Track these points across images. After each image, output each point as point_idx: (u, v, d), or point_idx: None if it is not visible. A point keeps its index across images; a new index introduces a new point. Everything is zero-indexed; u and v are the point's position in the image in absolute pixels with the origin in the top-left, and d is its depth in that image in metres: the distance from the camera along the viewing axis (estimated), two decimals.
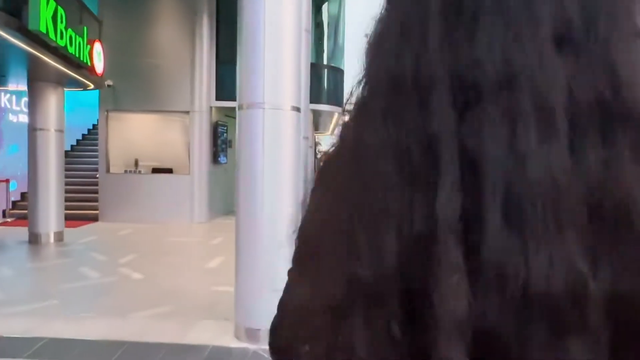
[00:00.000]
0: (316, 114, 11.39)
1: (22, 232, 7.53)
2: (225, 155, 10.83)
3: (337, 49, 11.75)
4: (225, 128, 10.75)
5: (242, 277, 3.60)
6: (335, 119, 13.29)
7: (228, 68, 10.28)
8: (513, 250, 0.24)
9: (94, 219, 9.75)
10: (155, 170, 10.36)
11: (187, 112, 9.92)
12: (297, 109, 3.77)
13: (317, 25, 11.65)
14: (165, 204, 9.78)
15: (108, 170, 9.95)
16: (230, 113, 11.02)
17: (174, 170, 10.34)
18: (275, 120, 3.51)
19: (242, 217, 3.66)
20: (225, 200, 11.04)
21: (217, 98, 10.14)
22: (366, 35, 0.33)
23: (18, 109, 11.56)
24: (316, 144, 42.40)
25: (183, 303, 4.53)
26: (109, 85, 9.32)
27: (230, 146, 11.47)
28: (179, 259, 6.47)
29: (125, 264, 5.99)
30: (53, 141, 7.40)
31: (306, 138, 7.53)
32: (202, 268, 5.98)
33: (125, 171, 10.18)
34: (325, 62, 10.76)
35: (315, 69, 10.61)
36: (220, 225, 9.82)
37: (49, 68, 6.41)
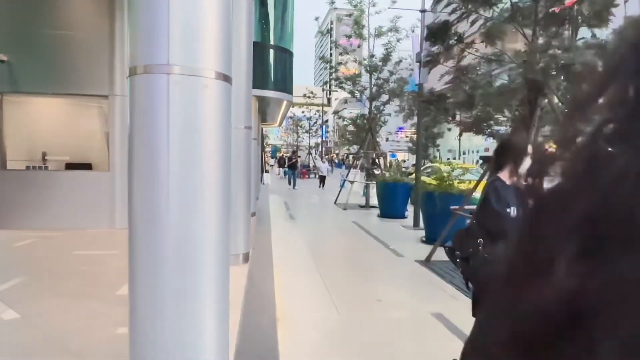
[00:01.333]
0: (261, 102, 10.05)
1: None
2: None
3: (285, 30, 10.43)
4: None
5: (138, 314, 2.29)
6: (284, 108, 11.97)
7: None
8: None
9: None
10: (70, 166, 8.64)
11: (106, 97, 8.27)
12: (226, 79, 2.47)
13: (262, 2, 10.31)
14: (79, 206, 8.12)
15: (4, 167, 8.11)
16: None
17: (93, 166, 8.68)
18: (188, 92, 2.21)
19: (137, 232, 2.34)
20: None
21: None
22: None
23: None
24: (263, 137, 40.62)
25: (68, 357, 3.14)
26: (1, 61, 7.51)
27: None
28: (82, 282, 4.98)
29: None
30: None
31: (249, 128, 6.20)
32: (112, 297, 4.54)
33: (28, 167, 8.38)
34: (272, 42, 9.45)
35: (260, 49, 9.26)
36: None
37: None
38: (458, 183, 8.00)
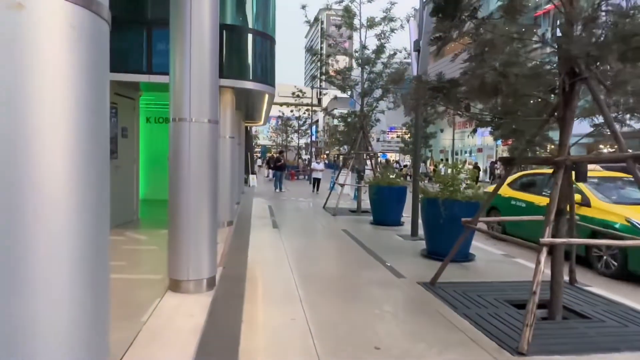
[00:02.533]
0: (239, 95, 8.85)
1: None
2: (116, 147, 8.05)
3: (266, 14, 9.24)
4: (113, 110, 7.95)
5: None
6: (267, 103, 10.79)
7: (119, 20, 7.46)
8: None
9: None
10: None
11: None
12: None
13: None
14: None
15: None
16: (121, 90, 8.20)
17: None
18: None
19: None
20: (116, 208, 8.24)
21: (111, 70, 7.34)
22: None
23: None
24: (253, 136, 39.20)
25: None
26: None
27: (124, 135, 8.65)
28: None
29: None
30: None
31: (214, 122, 5.08)
32: None
33: None
34: (250, 26, 8.23)
35: (236, 33, 8.07)
36: (110, 244, 7.08)
37: None
38: (466, 188, 6.89)
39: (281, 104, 40.17)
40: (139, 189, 9.59)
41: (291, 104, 38.04)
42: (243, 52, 8.04)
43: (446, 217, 6.61)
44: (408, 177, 23.19)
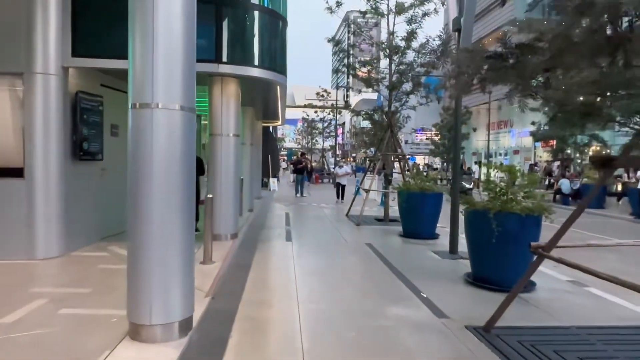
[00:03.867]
0: (244, 85, 7.57)
1: None
2: (101, 147, 6.89)
3: None
4: (97, 103, 6.79)
5: None
6: (280, 96, 9.48)
7: (99, 3, 6.34)
8: None
9: None
10: None
11: (20, 75, 5.94)
12: None
13: None
14: None
15: None
16: (108, 80, 7.04)
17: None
18: None
19: None
20: (101, 218, 7.08)
21: (78, 53, 6.19)
22: None
23: None
24: (277, 138, 38.14)
25: None
26: None
27: (114, 134, 7.50)
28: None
29: None
30: None
31: (190, 111, 3.80)
32: None
33: None
34: (256, 1, 6.90)
35: (240, 9, 6.80)
36: (84, 263, 5.92)
37: None
38: (524, 197, 5.39)
39: (304, 106, 39.07)
40: None
41: (317, 107, 36.82)
42: (248, 32, 6.77)
43: (499, 235, 5.13)
44: (439, 182, 21.55)
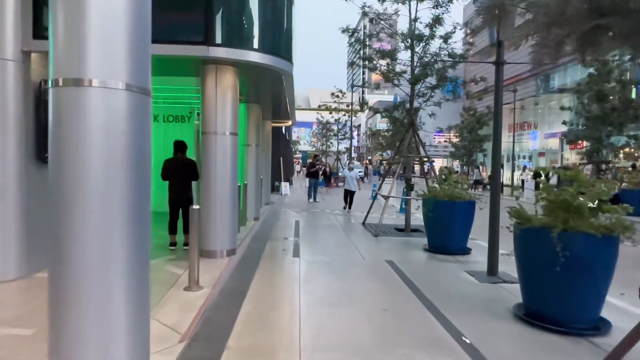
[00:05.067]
0: (245, 72, 6.46)
1: None
2: None
3: None
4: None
5: None
6: (287, 89, 8.36)
7: None
8: None
9: None
10: None
11: None
12: None
13: None
14: None
15: None
16: None
17: None
18: None
19: None
20: None
21: (41, 34, 5.16)
22: None
23: None
24: (291, 141, 37.20)
25: None
26: None
27: None
28: None
29: None
30: None
31: (144, 93, 2.65)
32: None
33: None
34: None
35: None
36: (44, 287, 4.84)
37: None
38: (597, 210, 4.14)
39: (319, 107, 38.03)
40: None
41: (332, 109, 35.72)
42: (246, 10, 5.66)
43: (566, 260, 3.91)
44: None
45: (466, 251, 7.73)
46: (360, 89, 57.72)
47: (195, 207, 4.77)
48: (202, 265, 5.66)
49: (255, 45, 5.63)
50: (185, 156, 7.03)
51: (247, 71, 6.24)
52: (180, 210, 6.83)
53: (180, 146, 7.02)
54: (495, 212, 6.05)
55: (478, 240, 8.66)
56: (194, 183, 6.90)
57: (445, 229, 7.72)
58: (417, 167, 14.91)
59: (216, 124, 5.99)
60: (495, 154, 6.17)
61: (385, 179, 12.14)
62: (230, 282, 5.40)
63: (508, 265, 6.03)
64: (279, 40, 6.11)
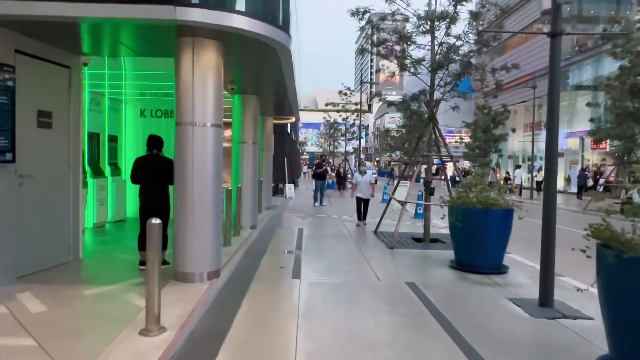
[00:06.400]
0: (232, 52, 5.18)
1: None
2: (11, 143, 4.58)
3: None
4: (5, 78, 4.49)
5: None
6: (285, 67, 7.07)
7: None
8: None
9: None
10: None
11: None
12: None
13: None
14: None
15: None
16: (25, 44, 4.77)
17: None
18: None
19: None
20: (18, 249, 4.75)
21: None
22: None
23: None
24: (297, 141, 35.96)
25: None
26: None
27: (45, 124, 5.24)
28: None
29: None
30: None
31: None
32: None
33: None
34: None
35: None
36: None
37: None
38: None
39: (326, 105, 36.82)
40: (82, 211, 6.14)
41: (340, 110, 34.49)
42: None
43: None
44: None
45: (502, 269, 6.38)
46: (368, 88, 56.28)
47: (153, 221, 3.49)
48: (173, 295, 4.39)
49: (241, 6, 4.33)
50: (161, 154, 5.77)
51: (233, 47, 4.95)
52: None
53: (155, 142, 5.76)
54: (551, 225, 4.70)
55: (512, 254, 7.31)
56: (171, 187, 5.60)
57: (477, 243, 6.37)
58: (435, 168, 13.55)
59: (193, 113, 4.67)
60: (550, 148, 4.83)
61: (401, 182, 10.78)
62: (206, 319, 4.10)
63: (559, 290, 4.72)
64: (272, 3, 4.81)
